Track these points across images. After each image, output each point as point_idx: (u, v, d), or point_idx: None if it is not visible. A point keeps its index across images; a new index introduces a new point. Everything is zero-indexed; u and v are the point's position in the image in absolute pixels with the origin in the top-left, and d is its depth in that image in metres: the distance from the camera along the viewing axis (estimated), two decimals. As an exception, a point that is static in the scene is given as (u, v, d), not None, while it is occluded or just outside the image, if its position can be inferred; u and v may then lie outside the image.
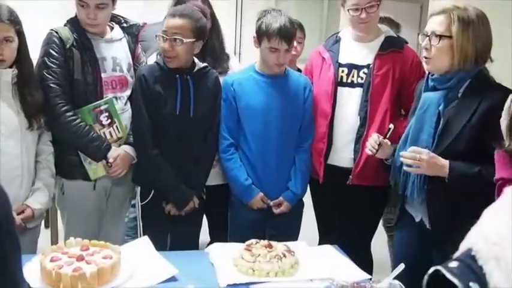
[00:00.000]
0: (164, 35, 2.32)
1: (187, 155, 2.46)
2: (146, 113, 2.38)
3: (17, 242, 0.93)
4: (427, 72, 2.15)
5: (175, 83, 2.39)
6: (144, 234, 2.28)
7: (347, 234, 2.57)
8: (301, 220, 2.72)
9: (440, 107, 2.03)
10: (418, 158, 1.99)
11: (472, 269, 0.81)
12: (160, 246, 2.13)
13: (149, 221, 2.50)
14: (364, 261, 2.29)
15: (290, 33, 2.43)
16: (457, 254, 0.87)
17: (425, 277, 0.85)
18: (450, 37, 1.98)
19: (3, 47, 2.12)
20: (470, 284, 0.78)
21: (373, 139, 2.25)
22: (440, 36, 2.00)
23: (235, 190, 2.59)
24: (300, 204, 2.68)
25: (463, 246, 0.87)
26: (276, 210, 2.57)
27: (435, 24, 2.03)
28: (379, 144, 2.22)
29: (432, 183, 2.05)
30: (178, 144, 2.42)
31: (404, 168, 2.07)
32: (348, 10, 2.47)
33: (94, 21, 2.37)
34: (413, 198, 2.13)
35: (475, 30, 1.98)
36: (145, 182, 2.49)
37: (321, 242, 2.67)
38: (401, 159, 2.04)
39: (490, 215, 0.95)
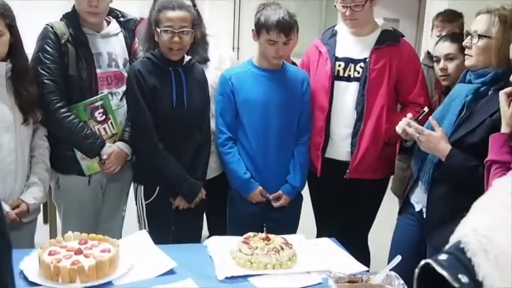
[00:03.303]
0: (170, 29, 2.27)
1: (186, 148, 2.45)
2: (146, 107, 2.36)
3: (8, 242, 0.88)
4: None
5: (170, 76, 2.38)
6: (149, 231, 2.25)
7: (345, 227, 2.59)
8: (300, 213, 2.73)
9: (467, 98, 2.04)
10: (418, 135, 2.02)
11: (461, 261, 0.81)
12: (164, 241, 2.11)
13: (155, 218, 2.47)
14: (362, 254, 2.30)
15: (289, 25, 2.40)
16: (447, 247, 0.87)
17: (416, 270, 0.85)
18: (490, 37, 1.98)
19: None
20: (459, 276, 0.78)
21: (404, 122, 2.14)
22: (480, 36, 2.01)
23: (234, 184, 2.59)
24: (299, 198, 2.69)
25: (453, 239, 0.88)
26: (275, 204, 2.58)
27: (479, 23, 2.03)
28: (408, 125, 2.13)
29: (440, 171, 2.06)
30: (176, 137, 2.41)
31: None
32: (335, 5, 2.51)
33: (96, 9, 2.33)
34: (422, 183, 2.15)
35: None
36: (150, 180, 2.45)
37: (319, 235, 2.68)
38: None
39: (479, 207, 0.95)
